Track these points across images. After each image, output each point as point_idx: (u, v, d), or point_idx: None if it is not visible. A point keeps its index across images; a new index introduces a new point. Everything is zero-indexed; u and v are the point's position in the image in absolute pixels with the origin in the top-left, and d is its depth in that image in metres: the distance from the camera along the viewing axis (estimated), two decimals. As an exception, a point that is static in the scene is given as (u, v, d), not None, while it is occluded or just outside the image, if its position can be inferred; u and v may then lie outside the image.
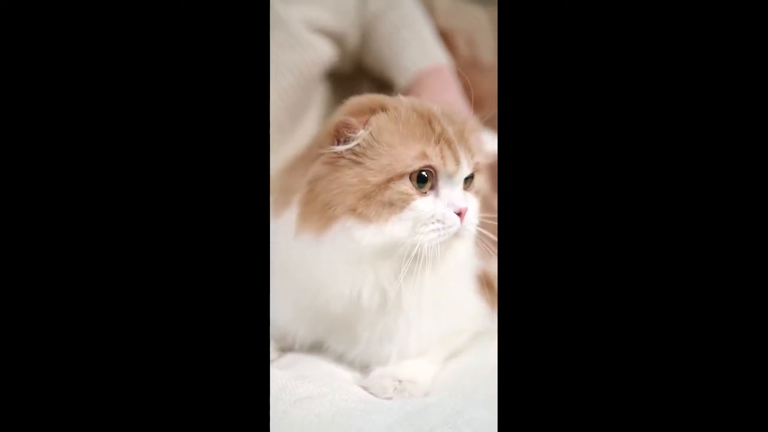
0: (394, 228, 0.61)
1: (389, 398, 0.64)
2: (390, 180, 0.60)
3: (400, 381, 0.65)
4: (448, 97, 1.00)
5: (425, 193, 0.62)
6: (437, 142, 0.62)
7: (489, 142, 1.03)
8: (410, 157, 0.61)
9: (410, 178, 0.61)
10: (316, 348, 0.70)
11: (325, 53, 1.03)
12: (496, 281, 0.76)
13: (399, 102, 0.65)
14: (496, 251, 0.65)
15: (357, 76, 1.13)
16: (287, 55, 0.99)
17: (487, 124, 1.09)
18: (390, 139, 0.61)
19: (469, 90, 1.09)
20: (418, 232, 0.61)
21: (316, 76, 1.04)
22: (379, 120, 0.62)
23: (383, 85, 1.08)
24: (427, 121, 0.63)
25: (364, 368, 0.68)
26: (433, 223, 0.61)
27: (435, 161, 0.61)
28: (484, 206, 0.70)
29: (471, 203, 0.64)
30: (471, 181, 0.66)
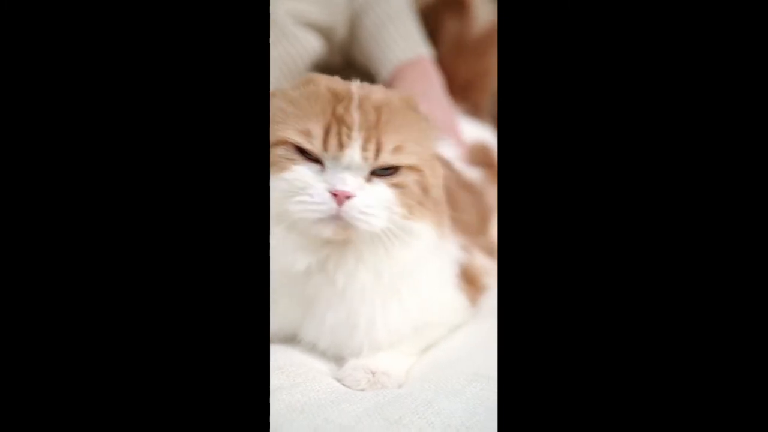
0: (276, 187, 0.62)
1: (363, 390, 0.64)
2: (275, 143, 0.63)
3: (373, 373, 0.65)
4: (425, 87, 1.00)
5: (313, 161, 0.63)
6: (329, 124, 0.62)
7: (469, 130, 1.03)
8: (295, 130, 0.62)
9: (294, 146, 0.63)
10: (290, 339, 0.70)
11: (312, 46, 1.03)
12: (482, 276, 0.76)
13: (324, 79, 0.67)
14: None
15: (346, 69, 1.13)
16: (274, 49, 0.99)
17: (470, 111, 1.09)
18: (293, 109, 0.64)
19: (454, 78, 1.09)
20: (289, 201, 0.62)
21: (303, 69, 1.04)
22: (297, 91, 0.65)
23: (372, 79, 1.08)
24: (336, 102, 0.64)
25: (338, 360, 0.68)
26: (301, 194, 0.62)
27: (314, 143, 0.62)
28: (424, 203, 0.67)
29: (370, 193, 0.63)
30: (392, 174, 0.64)
